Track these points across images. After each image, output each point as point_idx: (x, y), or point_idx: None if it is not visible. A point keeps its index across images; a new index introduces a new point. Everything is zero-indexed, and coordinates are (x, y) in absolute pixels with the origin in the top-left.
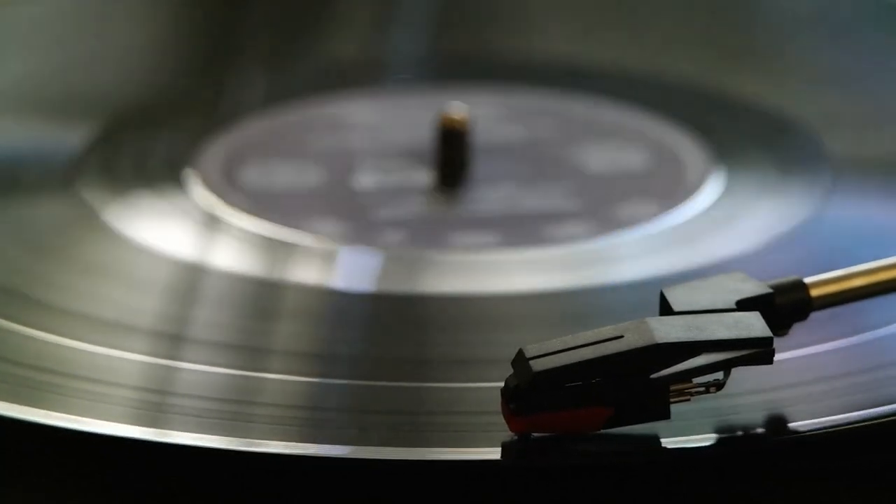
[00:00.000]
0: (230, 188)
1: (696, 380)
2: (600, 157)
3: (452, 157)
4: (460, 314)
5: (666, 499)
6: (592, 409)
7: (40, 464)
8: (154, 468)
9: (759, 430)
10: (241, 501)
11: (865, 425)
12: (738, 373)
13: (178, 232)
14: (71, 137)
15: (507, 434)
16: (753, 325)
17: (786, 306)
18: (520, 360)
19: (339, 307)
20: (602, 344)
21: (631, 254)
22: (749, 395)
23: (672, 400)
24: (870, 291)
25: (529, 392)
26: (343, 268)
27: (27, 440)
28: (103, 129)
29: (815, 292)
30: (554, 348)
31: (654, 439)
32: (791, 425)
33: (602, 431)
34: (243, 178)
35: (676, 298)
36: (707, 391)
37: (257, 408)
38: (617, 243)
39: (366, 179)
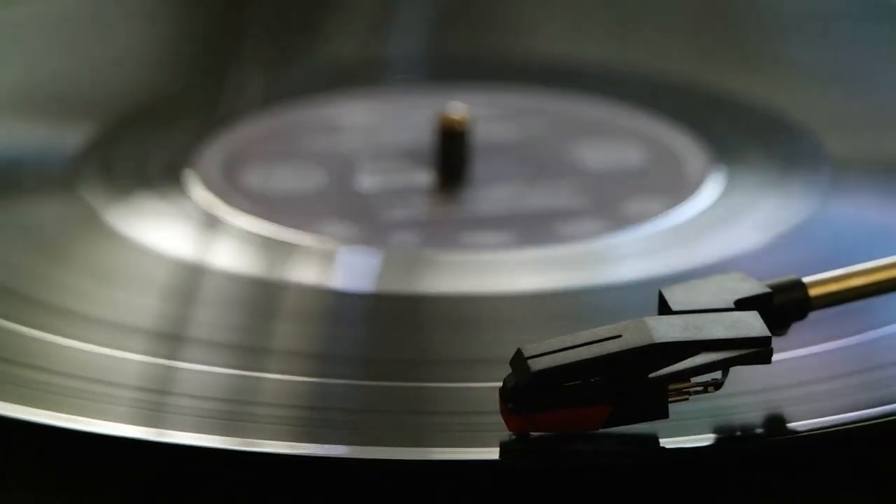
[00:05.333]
0: (232, 189)
1: (695, 379)
2: (600, 157)
3: (452, 157)
4: (459, 314)
5: (664, 499)
6: (591, 408)
7: (40, 464)
8: (154, 468)
9: (758, 430)
10: (241, 501)
11: (864, 425)
12: (736, 372)
13: (177, 232)
14: (71, 138)
15: (505, 434)
16: (752, 324)
17: (784, 306)
18: (518, 360)
19: (339, 307)
20: (600, 343)
21: (630, 254)
22: (747, 394)
23: (671, 399)
24: (869, 291)
25: (528, 391)
26: (343, 268)
27: (27, 440)
28: (103, 130)
29: (813, 292)
30: (552, 348)
31: (653, 439)
32: (790, 425)
33: (601, 431)
34: (245, 182)
35: (675, 298)
36: (705, 390)
37: (257, 408)
38: (616, 243)
39: (366, 180)
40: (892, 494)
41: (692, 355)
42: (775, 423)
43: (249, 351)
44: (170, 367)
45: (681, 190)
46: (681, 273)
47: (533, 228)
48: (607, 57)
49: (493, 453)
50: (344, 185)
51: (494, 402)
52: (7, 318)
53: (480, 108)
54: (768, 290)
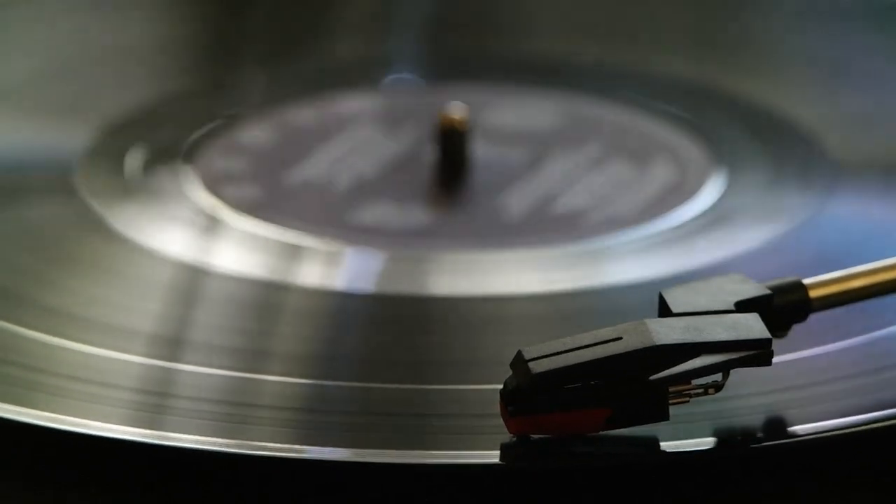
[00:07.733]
0: (232, 190)
1: (695, 381)
2: (599, 157)
3: (452, 157)
4: (460, 315)
5: (665, 501)
6: (591, 410)
7: (40, 465)
8: (155, 470)
9: (758, 433)
10: None
11: (865, 428)
12: (736, 374)
13: (178, 233)
14: (71, 138)
15: (506, 436)
16: (752, 326)
17: (785, 307)
18: (519, 362)
19: (340, 309)
20: (601, 345)
21: (631, 254)
22: (748, 396)
23: (671, 401)
24: (869, 292)
25: (528, 394)
26: (343, 269)
27: (27, 441)
28: (103, 130)
29: (814, 293)
30: (553, 350)
31: (653, 441)
32: (790, 428)
33: (601, 433)
34: (245, 182)
35: (675, 300)
36: (706, 393)
37: (258, 410)
38: (616, 244)
39: (366, 180)
40: (892, 498)
41: (692, 357)
42: (776, 425)
43: (250, 353)
44: (170, 369)
45: (681, 190)
46: (681, 274)
47: (533, 228)
48: (607, 57)
49: (493, 456)
50: (343, 185)
51: (495, 405)
52: (7, 319)
53: (480, 108)
54: (769, 291)
